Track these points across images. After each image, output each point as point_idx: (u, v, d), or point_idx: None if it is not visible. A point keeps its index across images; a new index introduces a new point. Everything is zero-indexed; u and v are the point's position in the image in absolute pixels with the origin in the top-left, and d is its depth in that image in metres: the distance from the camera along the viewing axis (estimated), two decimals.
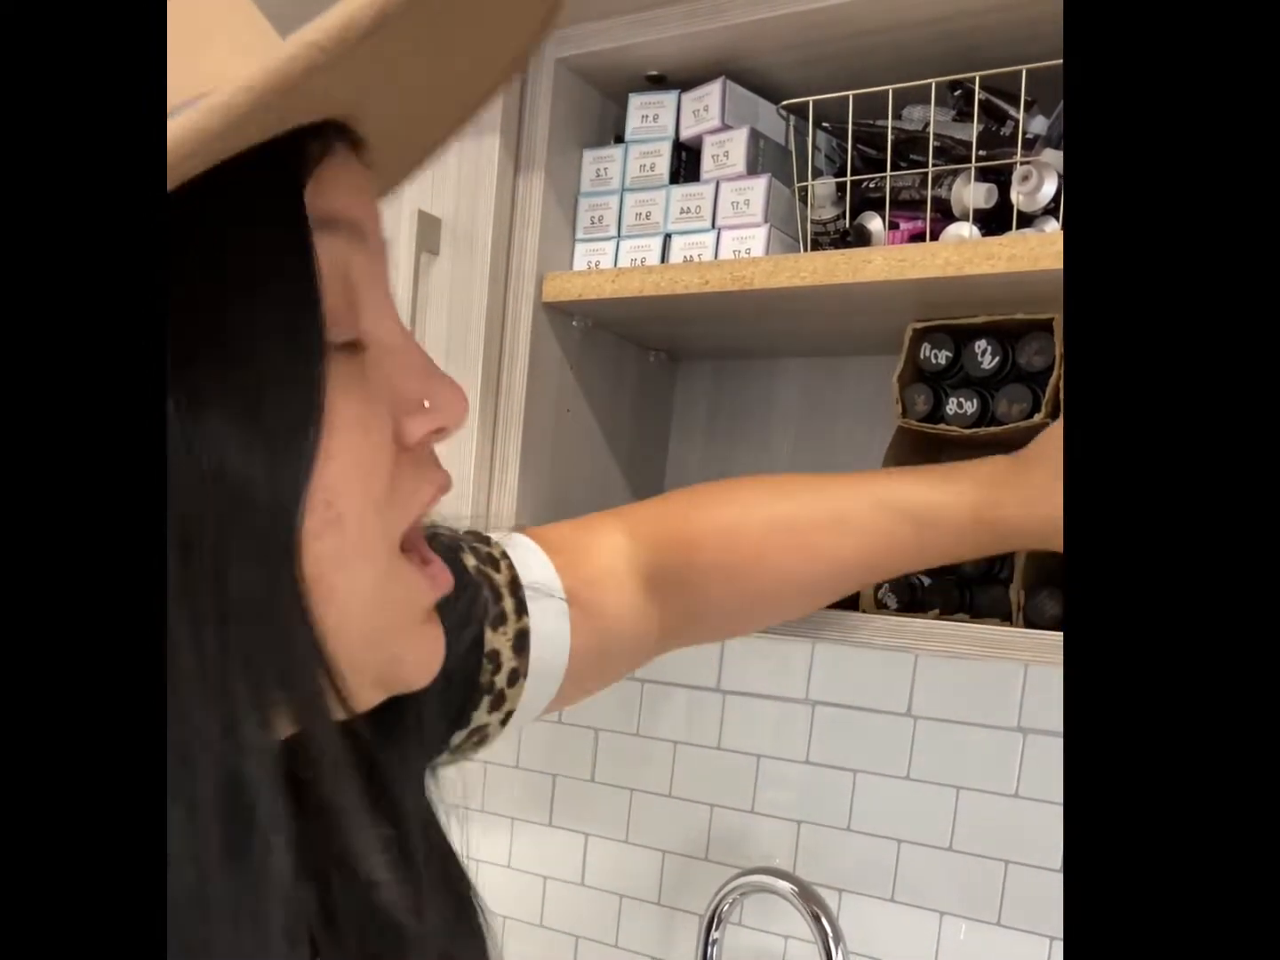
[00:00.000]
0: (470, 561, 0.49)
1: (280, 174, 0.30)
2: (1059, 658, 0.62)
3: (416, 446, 0.33)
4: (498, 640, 0.49)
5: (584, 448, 0.81)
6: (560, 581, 0.52)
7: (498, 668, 0.49)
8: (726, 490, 0.60)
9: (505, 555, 0.51)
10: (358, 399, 0.31)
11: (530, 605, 0.50)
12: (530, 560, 0.52)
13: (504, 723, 0.51)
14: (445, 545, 0.48)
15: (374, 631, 0.33)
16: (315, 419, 0.29)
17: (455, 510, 0.75)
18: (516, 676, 0.50)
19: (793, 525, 0.57)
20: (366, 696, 0.34)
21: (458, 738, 0.49)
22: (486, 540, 0.51)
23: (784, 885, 0.85)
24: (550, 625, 0.51)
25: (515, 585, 0.50)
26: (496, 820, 1.06)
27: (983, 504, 0.55)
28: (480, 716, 0.49)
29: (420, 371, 0.33)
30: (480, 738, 0.51)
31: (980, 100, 0.62)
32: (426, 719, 0.41)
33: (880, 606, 0.73)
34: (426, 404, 0.33)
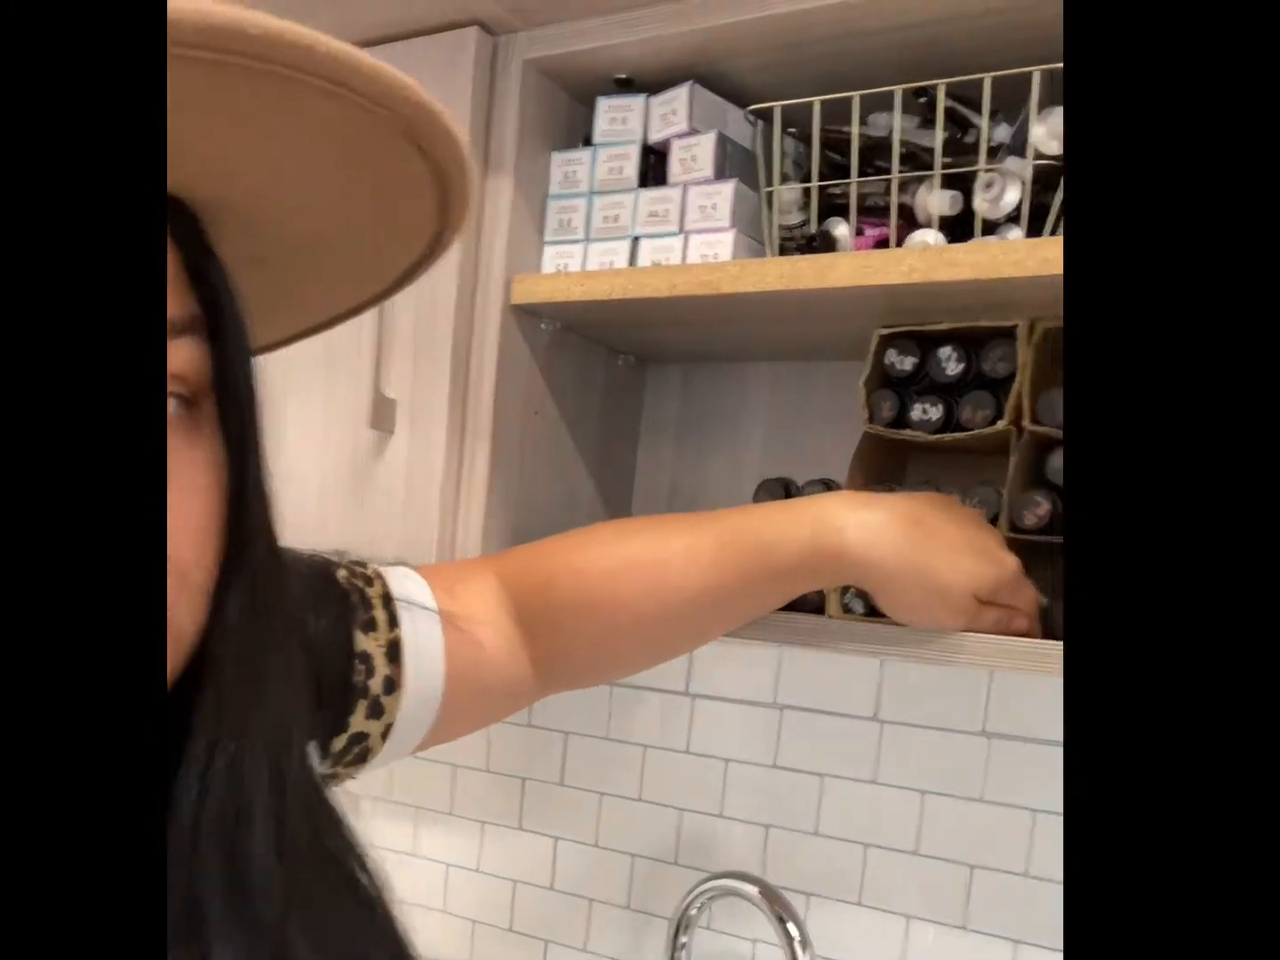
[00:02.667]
0: (340, 574, 0.51)
1: None
2: (1023, 663, 0.62)
3: None
4: (368, 644, 0.50)
5: (553, 450, 0.81)
6: (436, 603, 0.54)
7: (370, 671, 0.50)
8: (586, 533, 0.62)
9: (380, 575, 0.53)
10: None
11: (403, 619, 0.52)
12: (406, 583, 0.54)
13: (385, 736, 0.52)
14: (314, 561, 0.51)
15: None
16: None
17: (425, 510, 0.75)
18: (393, 685, 0.51)
19: (642, 560, 0.59)
20: None
21: (338, 743, 0.50)
22: (364, 564, 0.54)
23: (750, 889, 0.85)
24: (424, 640, 0.53)
25: (388, 599, 0.52)
26: (466, 824, 1.06)
27: (822, 532, 0.57)
28: (359, 722, 0.50)
29: None
30: (362, 750, 0.52)
31: (945, 108, 0.62)
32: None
33: (846, 611, 0.73)
34: None
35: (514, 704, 0.64)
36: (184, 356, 0.32)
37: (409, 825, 1.09)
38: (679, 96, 0.68)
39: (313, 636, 0.48)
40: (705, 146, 0.68)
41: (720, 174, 0.69)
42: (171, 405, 0.33)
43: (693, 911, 0.89)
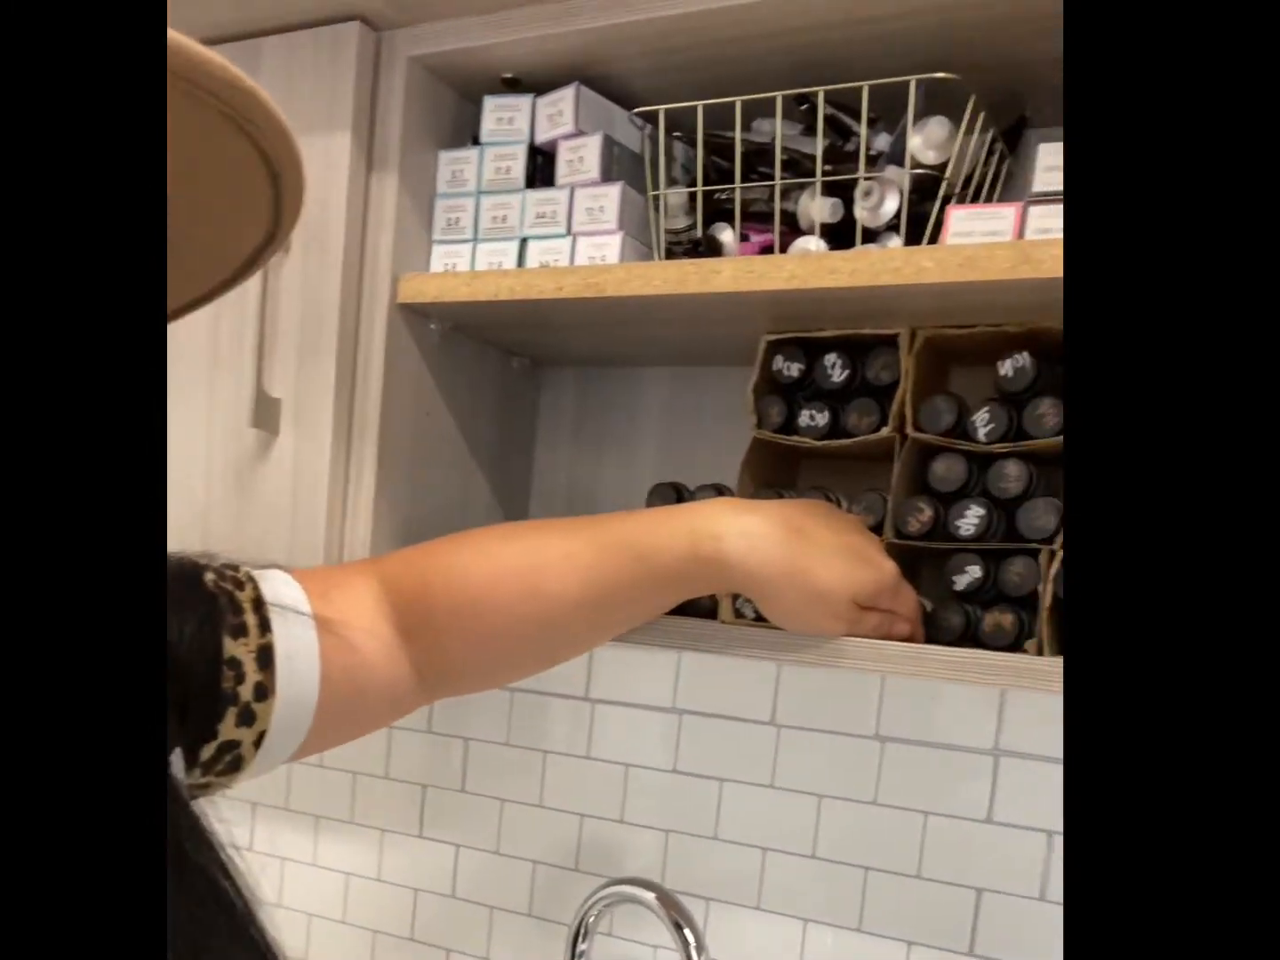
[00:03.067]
0: (208, 577, 0.50)
1: None
2: (903, 668, 0.63)
3: None
4: (237, 649, 0.49)
5: (445, 452, 0.80)
6: (310, 607, 0.53)
7: (240, 678, 0.49)
8: (467, 537, 0.62)
9: (252, 579, 0.52)
10: None
11: (275, 623, 0.51)
12: (280, 587, 0.53)
13: (258, 744, 0.51)
14: (181, 564, 0.50)
15: None
16: None
17: (312, 512, 0.74)
18: (265, 692, 0.50)
19: (520, 565, 0.59)
20: None
21: (206, 751, 0.49)
22: (235, 567, 0.52)
23: (648, 895, 0.85)
24: (297, 645, 0.52)
25: (259, 604, 0.51)
26: (366, 832, 1.04)
27: (700, 539, 0.57)
28: (229, 730, 0.49)
29: None
30: (234, 759, 0.50)
31: (826, 115, 0.62)
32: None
33: (738, 615, 0.73)
34: None
35: (395, 710, 0.63)
36: None
37: (308, 834, 1.07)
38: (565, 97, 0.68)
39: (174, 642, 0.47)
40: (592, 148, 0.67)
41: (607, 176, 0.68)
42: None
43: (591, 918, 0.89)
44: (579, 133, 0.68)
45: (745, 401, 0.72)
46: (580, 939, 0.89)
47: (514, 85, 0.71)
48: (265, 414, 0.72)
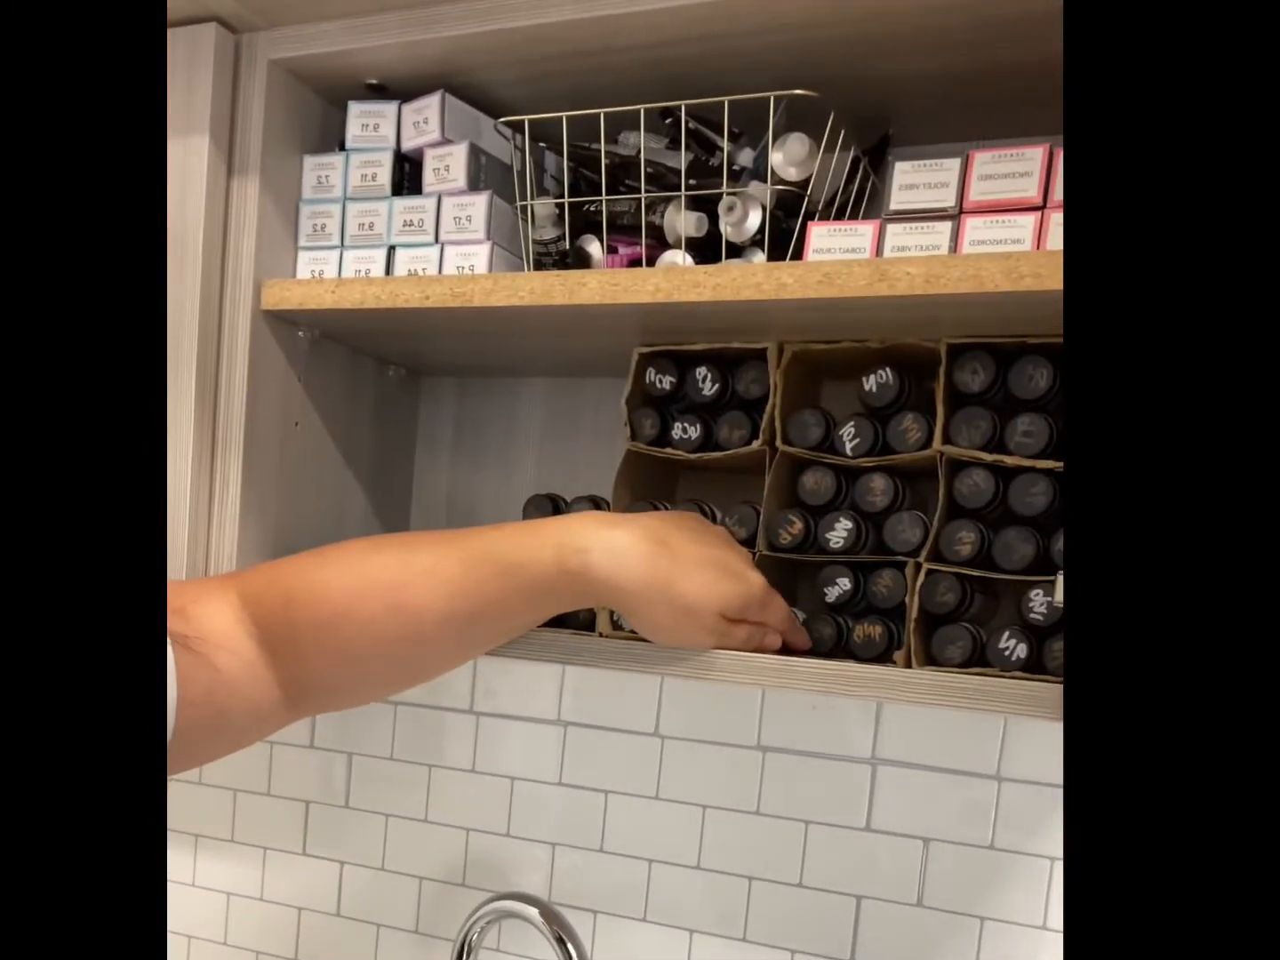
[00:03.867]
0: None
1: None
2: (772, 680, 0.63)
3: None
4: None
5: (317, 464, 0.78)
6: (167, 626, 0.52)
7: None
8: (331, 550, 0.61)
9: None
10: None
11: None
12: None
13: None
14: None
15: None
16: None
17: (172, 526, 0.72)
18: None
19: (384, 579, 0.58)
20: None
21: None
22: None
23: (530, 910, 0.84)
24: None
25: None
26: (247, 850, 1.01)
27: (566, 553, 0.57)
28: None
29: None
30: None
31: (689, 129, 0.62)
32: None
33: (616, 628, 0.73)
34: None
35: (261, 728, 0.61)
36: None
37: (187, 854, 1.04)
38: (431, 105, 0.66)
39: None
40: (458, 157, 0.66)
41: (474, 185, 0.67)
42: None
43: (475, 935, 0.88)
44: (445, 140, 0.67)
45: (620, 413, 0.72)
46: (465, 956, 0.88)
47: (380, 91, 0.70)
48: None
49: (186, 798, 1.03)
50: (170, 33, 0.66)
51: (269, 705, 0.59)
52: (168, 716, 0.52)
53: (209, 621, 0.56)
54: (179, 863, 1.04)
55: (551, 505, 0.76)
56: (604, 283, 0.63)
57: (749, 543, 0.69)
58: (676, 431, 0.72)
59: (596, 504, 0.76)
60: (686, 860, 0.88)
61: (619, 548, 0.57)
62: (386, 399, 0.84)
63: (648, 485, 0.75)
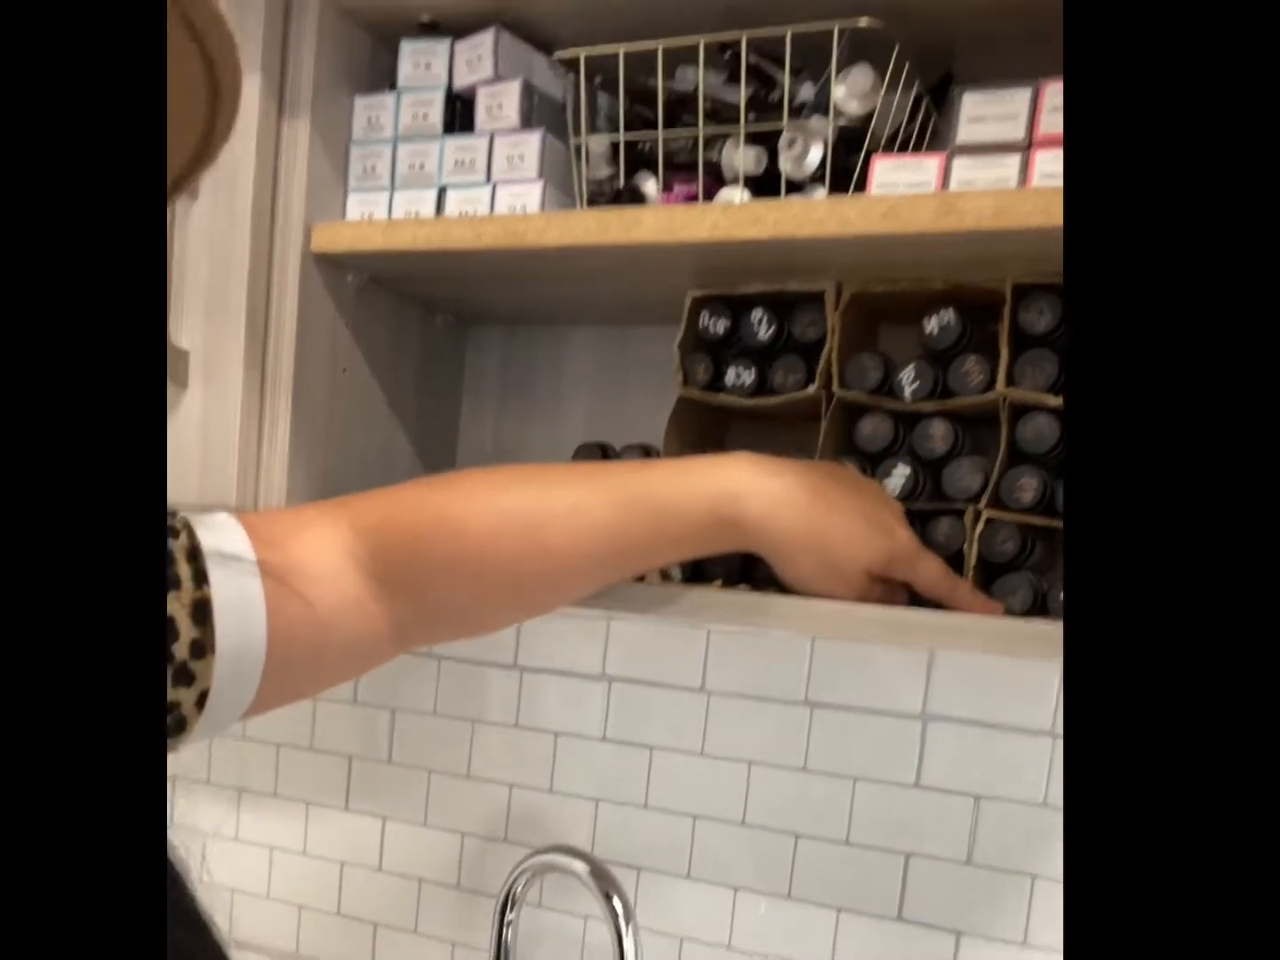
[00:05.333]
0: None
1: None
2: (843, 629, 0.62)
3: None
4: (171, 606, 0.46)
5: (364, 411, 0.78)
6: (255, 556, 0.49)
7: (175, 635, 0.46)
8: (459, 481, 0.58)
9: (188, 526, 0.48)
10: None
11: (213, 575, 0.47)
12: (221, 535, 0.49)
13: (200, 704, 0.48)
14: None
15: None
16: None
17: (223, 469, 0.71)
18: (202, 649, 0.47)
19: (524, 517, 0.55)
20: None
21: None
22: (171, 513, 0.49)
23: (576, 864, 0.84)
24: (238, 598, 0.48)
25: (195, 554, 0.47)
26: (291, 805, 1.02)
27: (721, 500, 0.55)
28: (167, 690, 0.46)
29: None
30: (175, 720, 0.47)
31: (749, 63, 0.61)
32: None
33: (665, 577, 0.72)
34: None
35: (363, 663, 0.58)
36: None
37: (231, 808, 1.05)
38: (484, 42, 0.65)
39: None
40: (511, 94, 0.65)
41: (527, 123, 0.66)
42: None
43: (519, 889, 0.87)
44: (498, 78, 0.66)
45: (671, 359, 0.71)
46: (508, 909, 0.88)
47: (432, 29, 0.68)
48: (173, 366, 0.69)
49: (230, 752, 1.03)
50: None
51: (373, 639, 0.56)
52: (257, 652, 0.49)
53: (310, 552, 0.53)
54: (223, 816, 1.05)
55: (601, 453, 0.75)
56: (660, 220, 0.62)
57: (892, 498, 0.67)
58: (730, 377, 0.70)
59: (647, 451, 0.75)
60: (732, 817, 0.87)
61: (775, 497, 0.56)
62: (433, 346, 0.83)
63: (699, 433, 0.74)
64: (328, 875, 1.01)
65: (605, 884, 0.83)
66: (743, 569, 0.72)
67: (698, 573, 0.71)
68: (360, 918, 1.00)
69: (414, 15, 0.68)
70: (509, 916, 0.89)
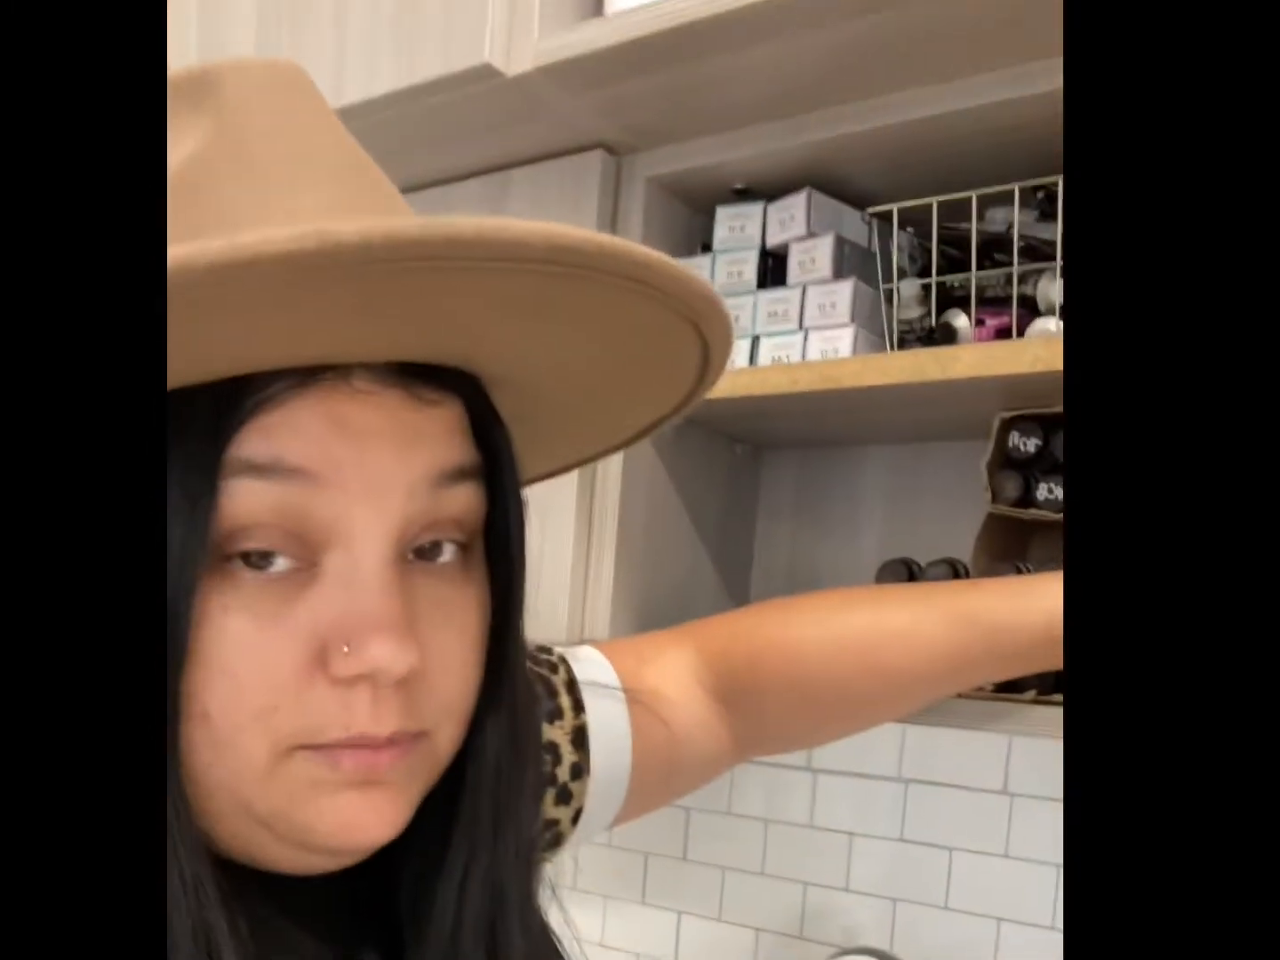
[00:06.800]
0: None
1: (205, 421, 0.32)
2: None
3: (347, 679, 0.35)
4: (554, 734, 0.51)
5: (675, 540, 0.83)
6: (621, 684, 0.55)
7: (558, 759, 0.51)
8: (795, 606, 0.61)
9: (564, 660, 0.54)
10: (254, 618, 0.34)
11: (588, 703, 0.52)
12: (591, 666, 0.54)
13: (575, 820, 0.52)
14: None
15: (264, 807, 0.35)
16: (177, 626, 0.32)
17: (554, 600, 0.78)
18: (580, 771, 0.52)
19: (860, 639, 0.58)
20: (289, 855, 0.37)
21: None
22: (548, 649, 0.54)
23: None
24: (610, 723, 0.53)
25: (572, 685, 0.52)
26: (589, 898, 1.07)
27: (1059, 618, 0.55)
28: (549, 809, 0.51)
29: (357, 618, 0.34)
30: (554, 835, 0.52)
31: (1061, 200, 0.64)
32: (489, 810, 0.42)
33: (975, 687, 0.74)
34: (345, 649, 0.34)
35: (707, 774, 0.63)
36: (464, 500, 0.35)
37: None
38: (797, 203, 0.71)
39: None
40: (823, 248, 0.71)
41: (838, 273, 0.71)
42: (449, 550, 0.36)
43: None
44: (810, 234, 0.71)
45: (979, 477, 0.74)
46: None
47: (744, 194, 0.75)
48: None
49: None
50: (557, 162, 0.74)
51: (715, 754, 0.60)
52: (624, 771, 0.54)
53: (665, 677, 0.58)
54: None
55: (907, 570, 0.78)
56: (979, 356, 0.65)
57: None
58: (1041, 492, 0.72)
59: (953, 566, 0.77)
60: (1041, 920, 0.87)
61: None
62: (733, 475, 0.89)
63: (1004, 546, 0.76)
64: None
65: None
66: (1056, 679, 0.73)
67: (1009, 683, 0.73)
68: None
69: (728, 184, 0.74)
70: None
